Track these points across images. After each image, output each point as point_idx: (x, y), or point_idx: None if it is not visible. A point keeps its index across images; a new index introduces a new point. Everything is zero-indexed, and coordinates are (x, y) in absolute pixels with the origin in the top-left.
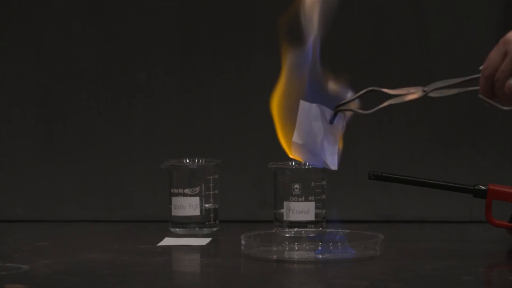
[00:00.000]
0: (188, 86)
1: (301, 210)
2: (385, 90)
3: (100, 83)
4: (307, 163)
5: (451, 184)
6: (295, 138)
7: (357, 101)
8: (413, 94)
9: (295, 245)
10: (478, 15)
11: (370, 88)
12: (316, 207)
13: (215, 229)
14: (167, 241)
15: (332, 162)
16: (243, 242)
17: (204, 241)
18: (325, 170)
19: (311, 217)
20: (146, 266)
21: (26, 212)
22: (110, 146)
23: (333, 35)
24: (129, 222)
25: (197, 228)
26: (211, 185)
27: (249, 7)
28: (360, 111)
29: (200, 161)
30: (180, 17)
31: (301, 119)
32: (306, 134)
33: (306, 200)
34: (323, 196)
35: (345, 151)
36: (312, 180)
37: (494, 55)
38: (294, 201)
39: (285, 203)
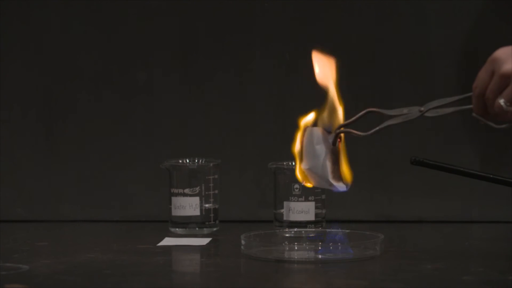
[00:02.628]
0: (188, 86)
1: (301, 210)
2: (383, 111)
3: (100, 83)
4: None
5: (492, 176)
6: (304, 164)
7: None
8: (410, 114)
9: (295, 245)
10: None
11: (368, 110)
12: (316, 207)
13: (215, 229)
14: (167, 241)
15: (339, 183)
16: (243, 242)
17: (204, 241)
18: None
19: (311, 217)
20: (146, 266)
21: (26, 212)
22: (110, 146)
23: (336, 35)
24: (129, 222)
25: (197, 228)
26: (211, 185)
27: (249, 7)
28: (359, 133)
29: (200, 161)
30: (180, 17)
31: (306, 145)
32: (311, 158)
33: (306, 200)
34: (323, 196)
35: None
36: None
37: (482, 74)
38: (294, 201)
39: (285, 203)
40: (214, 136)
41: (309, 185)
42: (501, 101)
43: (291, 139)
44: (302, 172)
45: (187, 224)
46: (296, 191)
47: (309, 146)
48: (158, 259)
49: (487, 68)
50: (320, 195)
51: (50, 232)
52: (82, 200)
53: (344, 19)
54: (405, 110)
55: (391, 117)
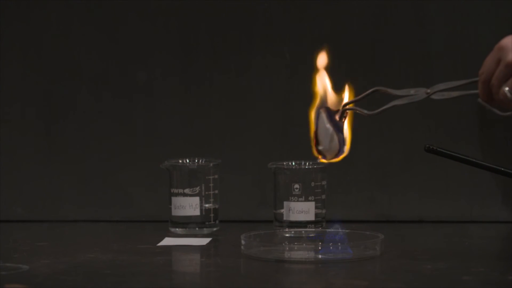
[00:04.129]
0: (188, 86)
1: (301, 210)
2: (390, 90)
3: (100, 83)
4: (309, 163)
5: (503, 169)
6: (320, 146)
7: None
8: (416, 96)
9: (295, 245)
10: (479, 13)
11: (375, 88)
12: (316, 207)
13: (215, 229)
14: (167, 241)
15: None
16: (243, 242)
17: (204, 241)
18: (325, 170)
19: (311, 217)
20: (146, 266)
21: (26, 212)
22: (110, 146)
23: (335, 35)
24: (129, 222)
25: (197, 228)
26: (211, 185)
27: (249, 7)
28: (365, 112)
29: (200, 161)
30: (180, 17)
31: (320, 127)
32: (325, 138)
33: (306, 200)
34: (323, 196)
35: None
36: (312, 180)
37: (489, 61)
38: (294, 201)
39: (285, 203)
40: (214, 136)
41: (324, 160)
42: (506, 90)
43: (291, 139)
44: (317, 152)
45: (187, 224)
46: (296, 191)
47: (322, 128)
48: (158, 259)
49: (493, 55)
50: (320, 195)
51: (50, 232)
52: (82, 200)
53: (344, 19)
54: (412, 91)
55: (397, 97)
